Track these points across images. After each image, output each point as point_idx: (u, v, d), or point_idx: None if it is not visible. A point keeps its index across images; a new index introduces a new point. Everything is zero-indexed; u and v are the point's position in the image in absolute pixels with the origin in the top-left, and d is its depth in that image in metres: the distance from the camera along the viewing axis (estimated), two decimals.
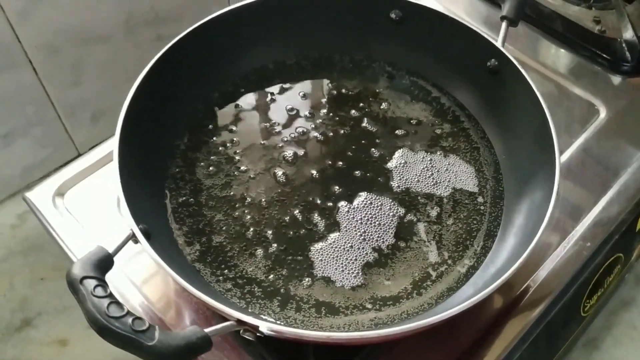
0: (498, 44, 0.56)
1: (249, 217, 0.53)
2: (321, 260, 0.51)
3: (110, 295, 0.37)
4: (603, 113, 0.67)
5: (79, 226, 0.56)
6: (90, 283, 0.37)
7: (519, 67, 0.54)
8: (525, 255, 0.43)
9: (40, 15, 0.73)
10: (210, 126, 0.59)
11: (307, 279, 0.50)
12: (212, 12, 0.58)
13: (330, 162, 0.57)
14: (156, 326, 0.36)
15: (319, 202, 0.54)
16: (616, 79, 0.72)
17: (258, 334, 0.40)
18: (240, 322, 0.39)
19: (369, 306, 0.48)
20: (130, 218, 0.43)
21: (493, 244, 0.52)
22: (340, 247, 0.51)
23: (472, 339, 0.50)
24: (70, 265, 0.38)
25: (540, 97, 0.52)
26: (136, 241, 0.43)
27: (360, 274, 0.50)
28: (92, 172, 0.60)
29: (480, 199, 0.55)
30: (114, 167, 0.46)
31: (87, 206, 0.58)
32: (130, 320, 0.36)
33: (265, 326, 0.39)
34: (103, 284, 0.38)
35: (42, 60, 0.77)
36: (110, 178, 0.57)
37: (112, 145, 0.58)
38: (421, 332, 0.42)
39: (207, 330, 0.37)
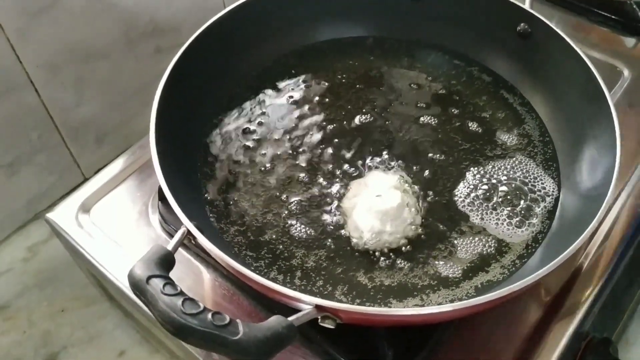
0: (526, 6, 0.55)
1: (298, 215, 0.50)
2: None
3: (182, 293, 0.34)
4: (626, 72, 0.67)
5: (109, 241, 0.53)
6: (158, 282, 0.34)
7: (553, 26, 0.53)
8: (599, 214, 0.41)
9: (40, 32, 0.70)
10: (242, 117, 0.57)
11: (364, 266, 0.47)
12: (208, 19, 0.56)
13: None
14: (237, 320, 0.33)
15: None
16: (631, 41, 0.71)
17: (339, 321, 0.37)
18: (319, 307, 0.36)
19: (435, 285, 0.46)
20: (183, 215, 0.40)
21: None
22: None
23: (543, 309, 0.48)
24: (132, 267, 0.35)
25: (581, 52, 0.51)
26: (189, 240, 0.40)
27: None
28: (109, 190, 0.58)
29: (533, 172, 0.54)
30: (157, 171, 0.43)
31: (114, 220, 0.55)
32: (209, 315, 0.33)
33: (349, 309, 0.36)
34: (171, 281, 0.34)
35: (45, 81, 0.73)
36: (129, 189, 0.56)
37: (117, 167, 0.57)
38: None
39: (290, 318, 0.34)
